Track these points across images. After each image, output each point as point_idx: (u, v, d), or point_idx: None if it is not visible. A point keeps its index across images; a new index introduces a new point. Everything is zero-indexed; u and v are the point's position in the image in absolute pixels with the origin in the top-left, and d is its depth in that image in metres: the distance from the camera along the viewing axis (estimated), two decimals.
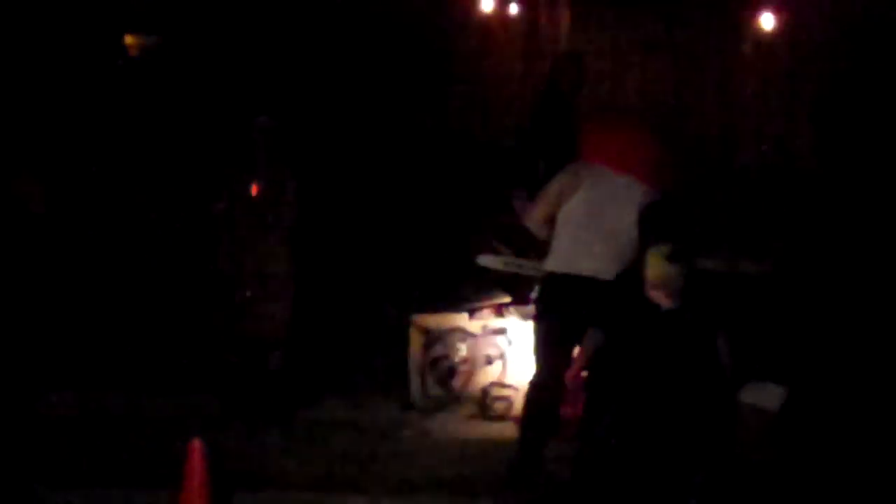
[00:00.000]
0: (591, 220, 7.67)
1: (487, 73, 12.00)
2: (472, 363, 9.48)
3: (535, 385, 7.88)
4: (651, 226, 7.25)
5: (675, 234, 6.84)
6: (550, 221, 7.89)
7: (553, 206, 7.85)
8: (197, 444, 6.91)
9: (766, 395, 7.56)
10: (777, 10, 11.44)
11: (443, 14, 11.75)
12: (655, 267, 6.11)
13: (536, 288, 8.21)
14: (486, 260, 9.31)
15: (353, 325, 10.18)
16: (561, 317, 7.67)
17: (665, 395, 6.04)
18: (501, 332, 9.53)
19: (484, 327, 9.55)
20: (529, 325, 8.43)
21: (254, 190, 9.15)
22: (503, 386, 9.38)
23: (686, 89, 11.87)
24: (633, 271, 6.75)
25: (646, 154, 7.85)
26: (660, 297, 6.16)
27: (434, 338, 9.37)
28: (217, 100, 10.95)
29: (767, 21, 11.60)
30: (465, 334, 9.46)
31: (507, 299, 9.64)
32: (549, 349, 7.76)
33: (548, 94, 10.30)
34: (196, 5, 11.40)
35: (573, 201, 7.75)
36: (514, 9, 11.71)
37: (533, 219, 8.04)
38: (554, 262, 7.83)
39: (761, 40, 11.73)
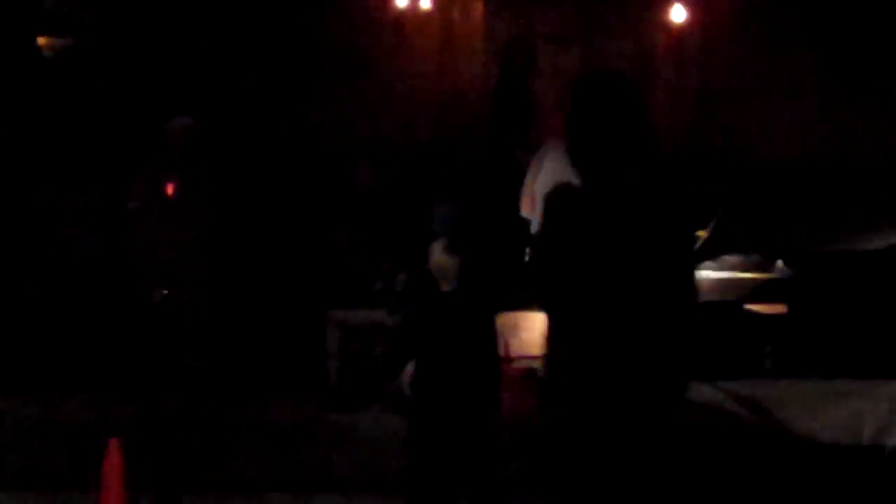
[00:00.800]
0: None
1: (402, 71, 11.98)
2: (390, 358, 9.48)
3: None
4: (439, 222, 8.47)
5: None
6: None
7: (531, 191, 8.67)
8: (114, 443, 6.87)
9: None
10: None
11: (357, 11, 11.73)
12: (434, 256, 6.86)
13: None
14: None
15: (270, 322, 10.15)
16: None
17: (444, 368, 6.78)
18: None
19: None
20: None
21: (169, 189, 9.12)
22: None
23: None
24: None
25: None
26: (441, 283, 6.91)
27: (351, 333, 9.37)
28: (130, 99, 10.90)
29: (678, 13, 11.75)
30: (384, 329, 9.46)
31: None
32: None
33: (502, 81, 10.72)
34: (106, 6, 11.34)
35: (540, 177, 8.58)
36: (426, 3, 11.69)
37: (525, 209, 8.84)
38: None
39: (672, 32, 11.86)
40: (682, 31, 11.89)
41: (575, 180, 7.06)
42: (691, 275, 4.71)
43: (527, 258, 7.50)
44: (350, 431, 8.87)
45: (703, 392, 8.15)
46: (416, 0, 11.62)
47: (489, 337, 6.92)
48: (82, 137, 10.94)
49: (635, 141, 4.64)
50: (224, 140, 10.41)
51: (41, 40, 11.44)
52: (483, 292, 6.98)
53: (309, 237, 10.68)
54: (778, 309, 9.28)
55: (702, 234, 9.30)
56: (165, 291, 9.06)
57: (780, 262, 9.50)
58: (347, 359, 9.37)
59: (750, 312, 9.28)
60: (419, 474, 6.77)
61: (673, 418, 4.58)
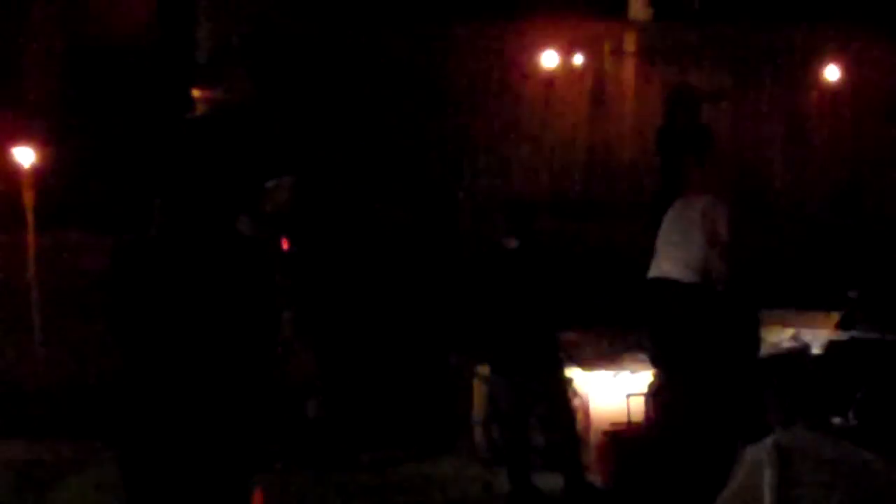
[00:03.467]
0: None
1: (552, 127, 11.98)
2: None
3: None
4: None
5: None
6: None
7: None
8: (258, 494, 6.87)
9: None
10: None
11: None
12: None
13: None
14: None
15: (418, 374, 10.13)
16: None
17: None
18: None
19: None
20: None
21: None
22: None
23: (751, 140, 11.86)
24: None
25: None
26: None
27: None
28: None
29: (832, 73, 11.65)
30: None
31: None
32: None
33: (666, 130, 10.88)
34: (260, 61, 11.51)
35: None
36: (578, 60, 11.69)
37: None
38: None
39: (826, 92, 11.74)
40: (836, 91, 11.77)
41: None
42: None
43: None
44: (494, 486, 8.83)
45: None
46: (567, 57, 11.63)
47: None
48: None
49: None
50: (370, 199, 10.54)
51: (195, 92, 11.63)
52: None
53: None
54: None
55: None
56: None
57: None
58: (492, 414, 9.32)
59: None
60: None
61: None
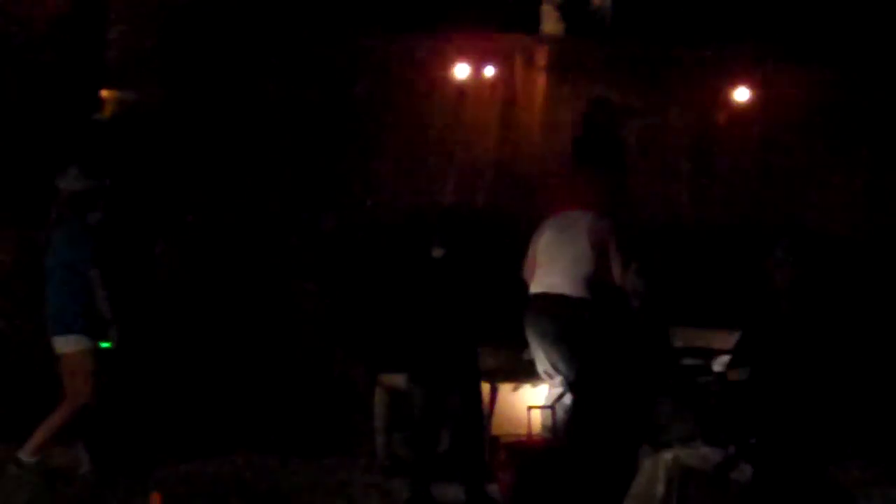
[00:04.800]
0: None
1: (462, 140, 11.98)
2: None
3: None
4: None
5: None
6: None
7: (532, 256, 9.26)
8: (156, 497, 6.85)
9: None
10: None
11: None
12: None
13: None
14: None
15: (318, 384, 10.11)
16: None
17: None
18: None
19: None
20: None
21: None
22: None
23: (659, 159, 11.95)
24: None
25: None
26: None
27: (400, 397, 9.29)
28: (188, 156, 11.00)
29: (742, 94, 11.78)
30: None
31: None
32: None
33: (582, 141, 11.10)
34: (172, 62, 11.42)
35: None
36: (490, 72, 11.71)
37: (526, 274, 9.31)
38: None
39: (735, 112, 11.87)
40: (745, 110, 11.90)
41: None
42: None
43: None
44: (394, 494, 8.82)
45: None
46: (478, 70, 11.65)
47: None
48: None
49: None
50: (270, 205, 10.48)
51: (104, 93, 11.52)
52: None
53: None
54: None
55: None
56: None
57: None
58: (395, 423, 9.32)
59: None
60: None
61: None
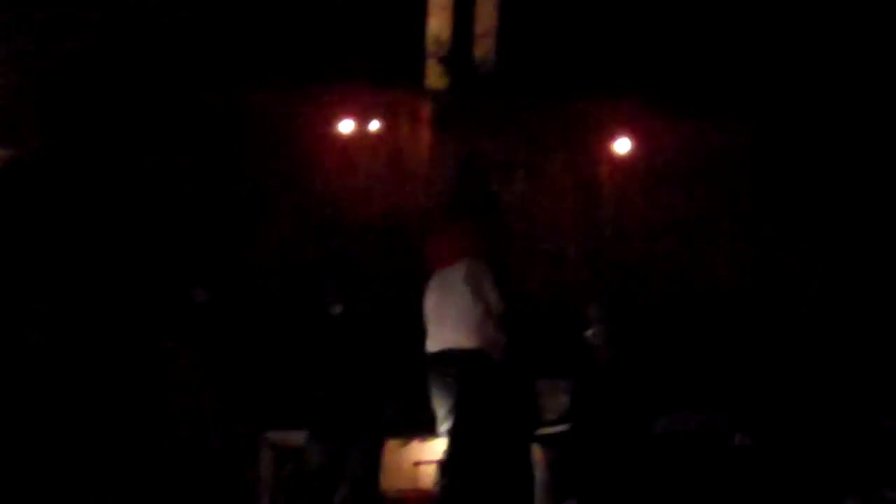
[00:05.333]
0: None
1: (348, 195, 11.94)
2: None
3: None
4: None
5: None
6: None
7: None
8: None
9: None
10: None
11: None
12: None
13: None
14: None
15: (203, 441, 9.96)
16: None
17: None
18: None
19: None
20: None
21: None
22: None
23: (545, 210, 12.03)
24: None
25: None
26: None
27: (288, 455, 9.18)
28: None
29: (623, 145, 11.91)
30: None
31: None
32: None
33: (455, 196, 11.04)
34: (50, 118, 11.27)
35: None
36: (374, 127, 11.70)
37: None
38: None
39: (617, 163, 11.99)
40: (626, 162, 12.03)
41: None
42: None
43: None
44: None
45: None
46: (364, 124, 11.64)
47: None
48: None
49: None
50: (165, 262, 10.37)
51: None
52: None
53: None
54: None
55: None
56: None
57: None
58: (281, 482, 9.20)
59: None
60: None
61: None
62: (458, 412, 8.90)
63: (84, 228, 10.66)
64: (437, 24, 12.11)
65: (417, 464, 8.96)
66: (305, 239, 11.59)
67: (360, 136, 11.65)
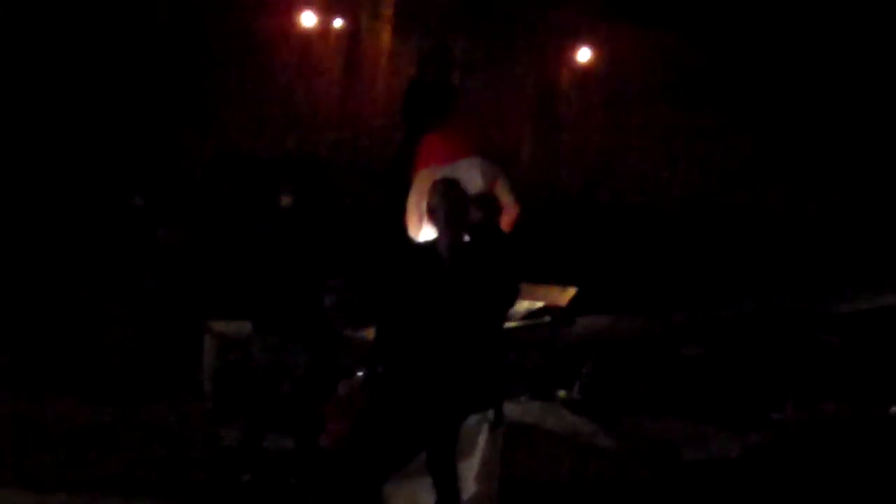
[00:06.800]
0: None
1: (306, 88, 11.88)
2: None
3: None
4: None
5: None
6: None
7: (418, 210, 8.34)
8: None
9: None
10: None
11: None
12: None
13: None
14: None
15: (148, 331, 9.97)
16: None
17: None
18: None
19: None
20: None
21: None
22: None
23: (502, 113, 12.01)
24: None
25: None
26: None
27: (230, 344, 9.19)
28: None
29: (584, 54, 11.89)
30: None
31: None
32: None
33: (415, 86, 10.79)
34: None
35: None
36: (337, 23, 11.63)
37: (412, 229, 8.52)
38: None
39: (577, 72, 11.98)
40: (587, 71, 12.02)
41: None
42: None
43: None
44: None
45: None
46: (327, 19, 11.56)
47: None
48: None
49: None
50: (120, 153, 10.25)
51: None
52: None
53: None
54: None
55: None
56: None
57: None
58: (223, 370, 9.20)
59: None
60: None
61: None
62: None
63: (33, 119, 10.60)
64: None
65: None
66: (262, 133, 11.57)
67: (323, 29, 11.58)
